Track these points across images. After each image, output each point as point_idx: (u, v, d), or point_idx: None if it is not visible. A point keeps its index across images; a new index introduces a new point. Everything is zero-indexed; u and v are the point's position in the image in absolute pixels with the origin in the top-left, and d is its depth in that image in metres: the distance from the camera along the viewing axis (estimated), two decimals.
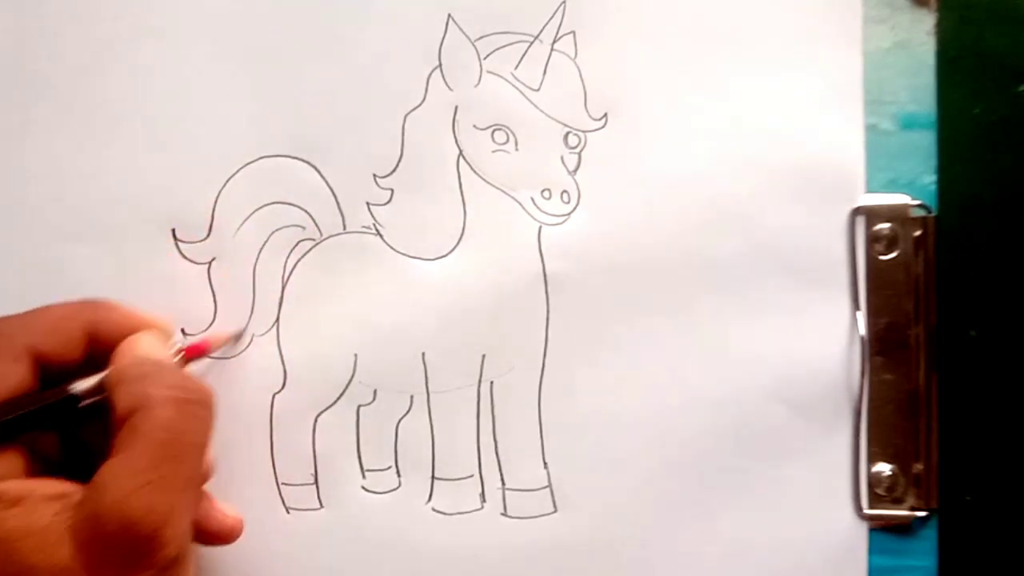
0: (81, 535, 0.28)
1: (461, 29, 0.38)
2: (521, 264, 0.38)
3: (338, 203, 0.38)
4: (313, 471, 0.38)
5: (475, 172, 0.38)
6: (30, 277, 0.38)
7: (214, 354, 0.37)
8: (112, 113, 0.38)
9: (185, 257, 0.38)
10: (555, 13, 0.38)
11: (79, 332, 0.33)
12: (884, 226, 0.38)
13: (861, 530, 0.38)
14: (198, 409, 0.31)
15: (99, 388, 0.32)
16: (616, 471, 0.38)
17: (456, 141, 0.38)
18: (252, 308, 0.38)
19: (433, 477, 0.38)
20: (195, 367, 0.37)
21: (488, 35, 0.38)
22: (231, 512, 0.35)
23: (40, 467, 0.32)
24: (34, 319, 0.33)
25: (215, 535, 0.35)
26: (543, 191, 0.38)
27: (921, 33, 0.38)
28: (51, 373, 0.32)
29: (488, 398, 0.38)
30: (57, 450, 0.33)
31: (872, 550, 0.38)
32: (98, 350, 0.33)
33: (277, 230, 0.38)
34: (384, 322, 0.38)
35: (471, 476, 0.38)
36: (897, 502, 0.38)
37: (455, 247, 0.38)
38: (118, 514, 0.28)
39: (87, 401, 0.32)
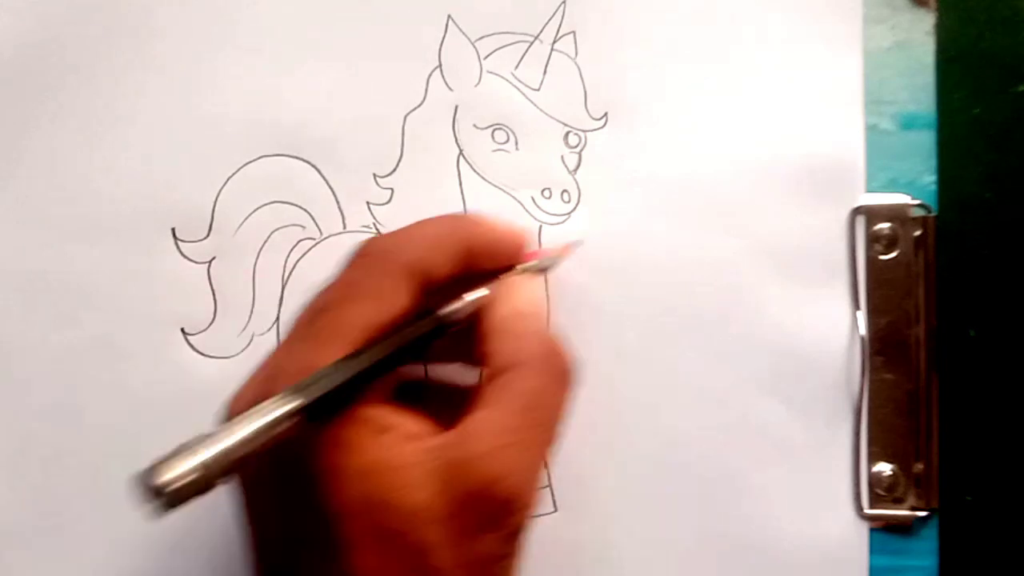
0: (443, 481, 0.28)
1: (461, 29, 0.38)
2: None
3: (338, 203, 0.38)
4: None
5: (475, 172, 0.38)
6: (30, 277, 0.38)
7: (217, 355, 0.37)
8: (112, 113, 0.38)
9: (185, 257, 0.38)
10: (555, 13, 0.38)
11: (457, 249, 0.32)
12: (884, 226, 0.38)
13: (861, 530, 0.38)
14: (564, 380, 0.31)
15: (466, 318, 0.32)
16: (616, 471, 0.38)
17: (456, 141, 0.38)
18: (252, 308, 0.38)
19: None
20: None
21: (488, 35, 0.38)
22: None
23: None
24: (417, 235, 0.32)
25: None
26: (543, 191, 0.38)
27: (921, 33, 0.38)
28: (427, 289, 0.31)
29: None
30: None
31: (872, 550, 0.38)
32: (469, 267, 0.32)
33: (277, 230, 0.38)
34: None
35: None
36: (897, 502, 0.38)
37: None
38: (484, 468, 0.28)
39: (460, 326, 0.32)
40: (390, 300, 0.30)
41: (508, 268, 0.34)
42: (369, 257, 0.31)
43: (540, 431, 0.30)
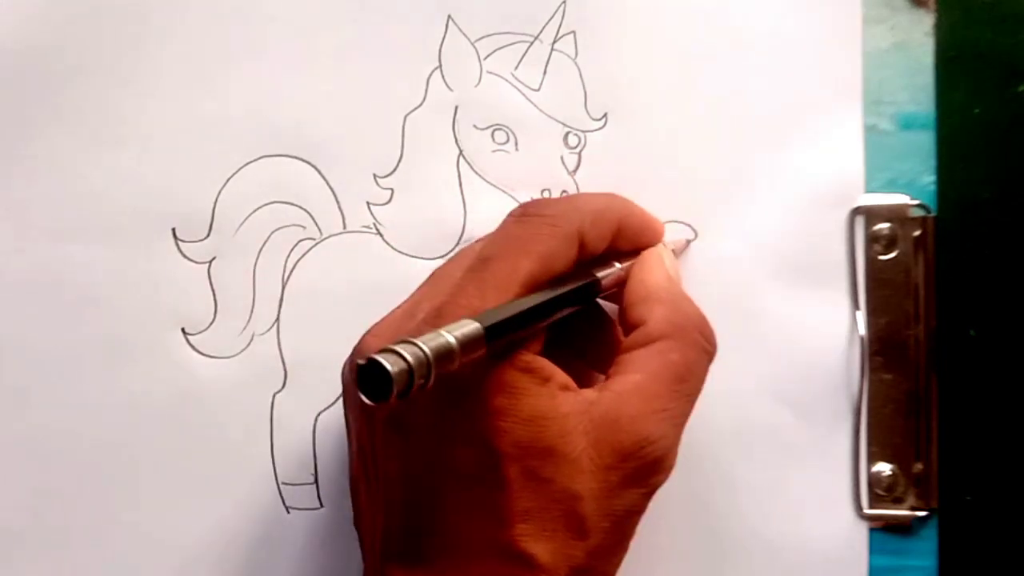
0: (597, 434, 0.29)
1: (461, 29, 0.38)
2: None
3: (338, 203, 0.38)
4: (313, 471, 0.38)
5: (475, 172, 0.38)
6: (31, 277, 0.38)
7: (217, 355, 0.37)
8: (112, 113, 0.38)
9: (185, 257, 0.38)
10: (555, 13, 0.38)
11: (614, 224, 0.33)
12: (883, 226, 0.38)
13: (861, 530, 0.38)
14: (712, 353, 0.32)
15: (618, 280, 0.33)
16: None
17: (456, 141, 0.38)
18: (252, 308, 0.38)
19: None
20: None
21: (488, 35, 0.38)
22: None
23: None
24: (584, 205, 0.33)
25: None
26: (543, 191, 0.38)
27: (920, 33, 0.38)
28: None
29: None
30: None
31: (872, 550, 0.38)
32: (616, 244, 0.34)
33: (277, 230, 0.38)
34: None
35: None
36: (897, 502, 0.38)
37: (455, 247, 0.38)
38: (639, 429, 0.29)
39: (604, 294, 0.33)
40: (557, 260, 0.31)
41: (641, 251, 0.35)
42: (537, 218, 0.32)
43: (686, 402, 0.31)
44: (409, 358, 0.24)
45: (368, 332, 0.32)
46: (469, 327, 0.27)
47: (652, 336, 0.31)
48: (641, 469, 0.30)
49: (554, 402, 0.29)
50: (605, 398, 0.30)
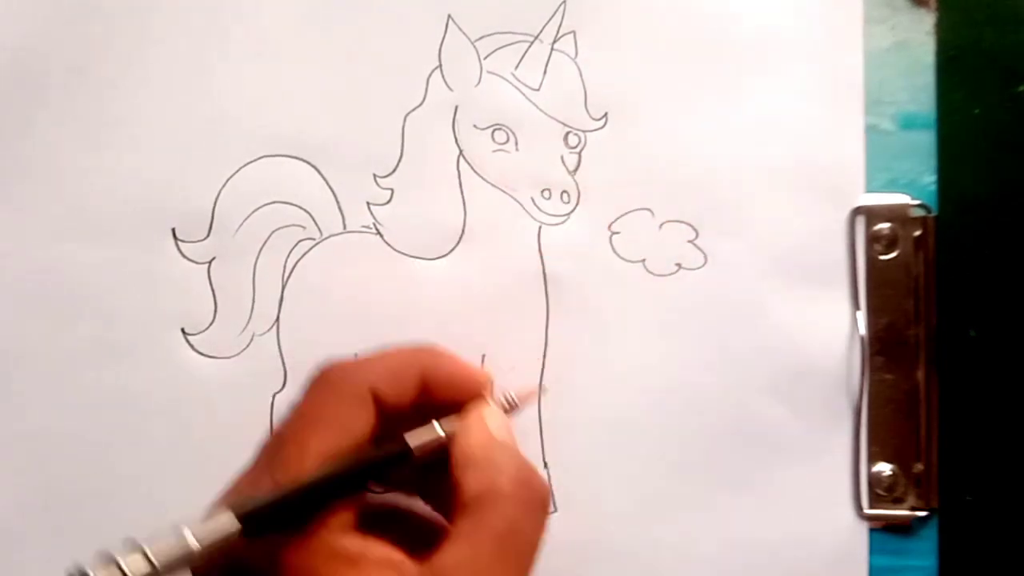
0: None
1: (461, 29, 0.38)
2: (521, 264, 0.38)
3: (338, 203, 0.38)
4: None
5: (475, 172, 0.38)
6: (30, 277, 0.38)
7: (217, 355, 0.38)
8: (112, 113, 0.38)
9: (185, 257, 0.38)
10: (555, 13, 0.38)
11: (415, 379, 0.32)
12: (884, 226, 0.38)
13: (861, 530, 0.38)
14: (540, 509, 0.31)
15: (435, 445, 0.32)
16: (616, 471, 0.38)
17: (456, 141, 0.38)
18: (252, 308, 0.38)
19: None
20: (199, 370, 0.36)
21: (488, 35, 0.38)
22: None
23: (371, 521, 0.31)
24: (375, 363, 0.32)
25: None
26: (543, 191, 0.38)
27: (921, 33, 0.38)
28: (384, 418, 0.32)
29: None
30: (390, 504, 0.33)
31: (872, 550, 0.38)
32: (426, 398, 0.32)
33: (277, 230, 0.38)
34: (384, 322, 0.38)
35: None
36: (897, 502, 0.38)
37: (455, 247, 0.38)
38: None
39: (421, 457, 0.31)
40: (349, 426, 0.30)
41: (467, 402, 0.33)
42: (327, 384, 0.31)
43: (515, 565, 0.30)
44: (124, 566, 0.26)
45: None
46: (220, 521, 0.27)
47: (474, 499, 0.30)
48: None
49: None
50: (429, 574, 0.28)
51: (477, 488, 0.30)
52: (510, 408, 0.34)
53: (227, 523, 0.27)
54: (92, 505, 0.38)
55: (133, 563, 0.26)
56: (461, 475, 0.30)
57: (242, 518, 0.28)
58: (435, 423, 0.32)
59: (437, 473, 0.31)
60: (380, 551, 0.29)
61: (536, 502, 0.30)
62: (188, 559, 0.27)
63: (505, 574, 0.29)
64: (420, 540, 0.30)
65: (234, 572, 0.28)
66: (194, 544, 0.27)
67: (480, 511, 0.29)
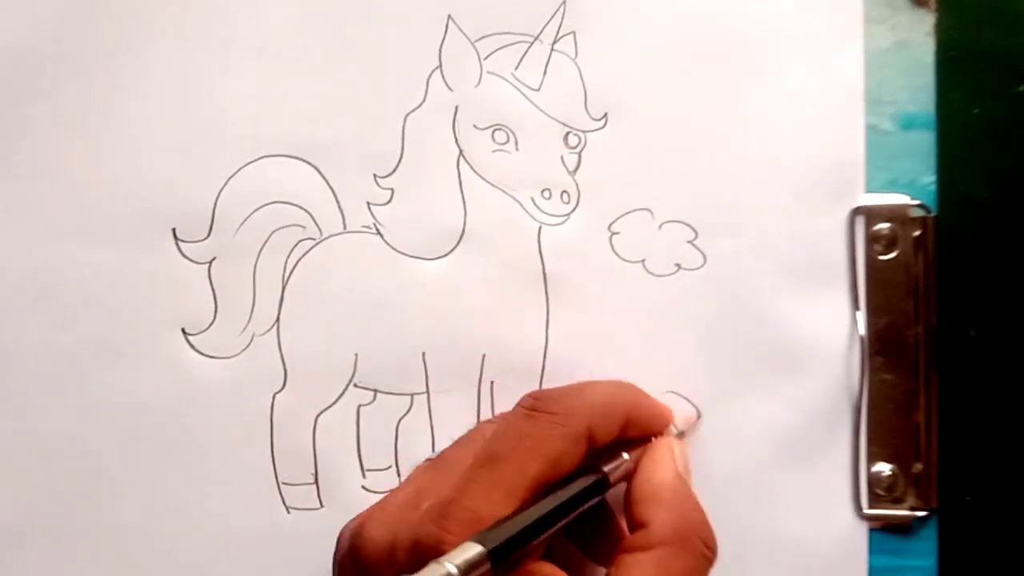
0: None
1: (461, 29, 0.38)
2: (521, 264, 0.38)
3: (338, 203, 0.38)
4: (313, 471, 0.38)
5: (475, 172, 0.38)
6: (30, 277, 0.38)
7: (217, 355, 0.38)
8: (112, 113, 0.38)
9: (185, 257, 0.38)
10: (555, 13, 0.38)
11: (623, 417, 0.33)
12: (884, 226, 0.38)
13: (861, 530, 0.38)
14: (712, 560, 0.31)
15: (623, 477, 0.32)
16: None
17: (456, 141, 0.38)
18: (252, 308, 0.38)
19: None
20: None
21: (488, 35, 0.38)
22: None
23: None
24: (592, 399, 0.33)
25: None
26: (543, 191, 0.38)
27: (921, 33, 0.38)
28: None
29: (488, 398, 0.38)
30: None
31: (872, 550, 0.38)
32: (624, 434, 0.33)
33: (277, 230, 0.38)
34: (384, 322, 0.38)
35: None
36: (897, 502, 0.38)
37: (455, 247, 0.38)
38: None
39: (610, 488, 0.32)
40: (566, 461, 0.31)
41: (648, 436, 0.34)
42: (547, 416, 0.32)
43: None
44: None
45: (369, 515, 0.32)
46: (472, 552, 0.27)
47: (653, 541, 0.30)
48: None
49: None
50: None
51: (664, 527, 0.31)
52: (683, 434, 0.35)
53: (478, 555, 0.27)
54: (92, 505, 0.38)
55: None
56: (642, 509, 0.31)
57: (491, 552, 0.27)
58: (624, 455, 0.33)
59: (593, 524, 0.33)
60: None
61: (710, 556, 0.31)
62: None
63: None
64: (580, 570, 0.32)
65: None
66: (454, 572, 0.27)
67: (662, 551, 0.30)
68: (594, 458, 0.32)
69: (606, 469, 0.32)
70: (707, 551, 0.31)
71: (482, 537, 0.28)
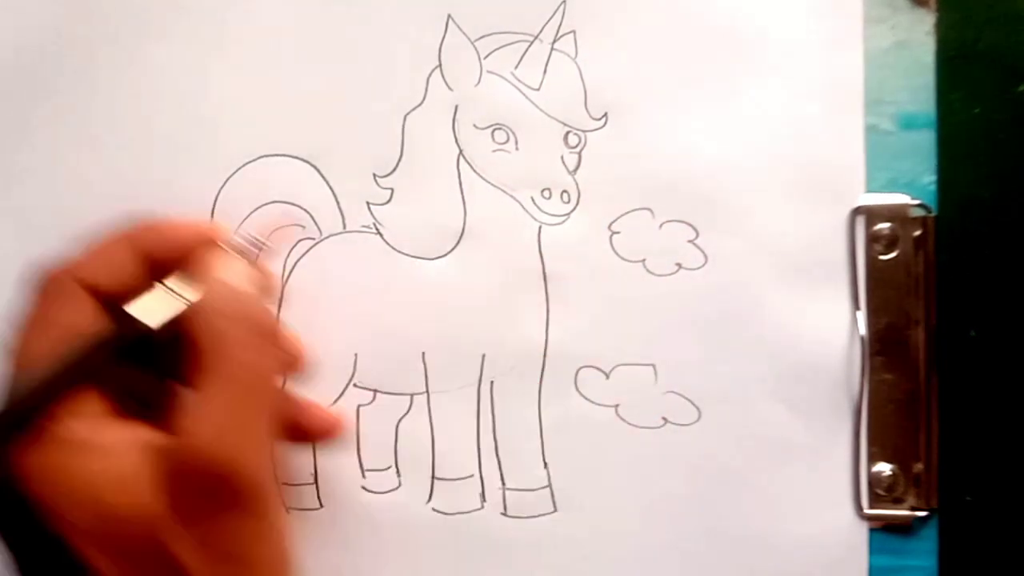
0: (168, 481, 0.28)
1: (461, 29, 0.38)
2: (521, 264, 0.38)
3: (338, 203, 0.38)
4: (313, 471, 0.38)
5: (475, 172, 0.38)
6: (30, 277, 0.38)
7: None
8: (112, 113, 0.38)
9: None
10: (555, 13, 0.38)
11: (130, 260, 0.32)
12: (884, 226, 0.38)
13: (861, 530, 0.38)
14: (272, 344, 0.31)
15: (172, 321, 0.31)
16: (616, 471, 0.38)
17: (456, 141, 0.38)
18: None
19: (433, 477, 0.38)
20: None
21: (488, 35, 0.38)
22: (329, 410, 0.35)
23: (133, 404, 0.31)
24: (85, 254, 0.32)
25: (318, 432, 0.35)
26: (543, 191, 0.38)
27: (921, 33, 0.38)
28: (117, 303, 0.31)
29: (488, 398, 0.38)
30: (149, 384, 0.32)
31: (872, 550, 0.38)
32: (158, 270, 0.32)
33: (277, 230, 0.38)
34: (384, 322, 0.38)
35: (471, 476, 0.38)
36: (897, 502, 0.38)
37: (455, 247, 0.38)
38: (205, 459, 0.28)
39: (163, 332, 0.31)
40: (70, 326, 0.30)
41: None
42: (40, 291, 0.31)
43: (258, 403, 0.29)
44: None
45: None
46: None
47: (202, 353, 0.29)
48: (223, 495, 0.28)
49: (109, 463, 0.28)
50: (172, 439, 0.28)
51: (208, 338, 0.29)
52: (258, 250, 0.33)
53: None
54: None
55: None
56: (193, 329, 0.30)
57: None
58: (158, 284, 0.31)
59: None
60: (128, 431, 0.29)
61: (268, 335, 0.30)
62: None
63: (248, 416, 0.29)
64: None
65: None
66: None
67: (214, 362, 0.29)
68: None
69: (128, 308, 0.31)
70: (258, 330, 0.30)
71: None
